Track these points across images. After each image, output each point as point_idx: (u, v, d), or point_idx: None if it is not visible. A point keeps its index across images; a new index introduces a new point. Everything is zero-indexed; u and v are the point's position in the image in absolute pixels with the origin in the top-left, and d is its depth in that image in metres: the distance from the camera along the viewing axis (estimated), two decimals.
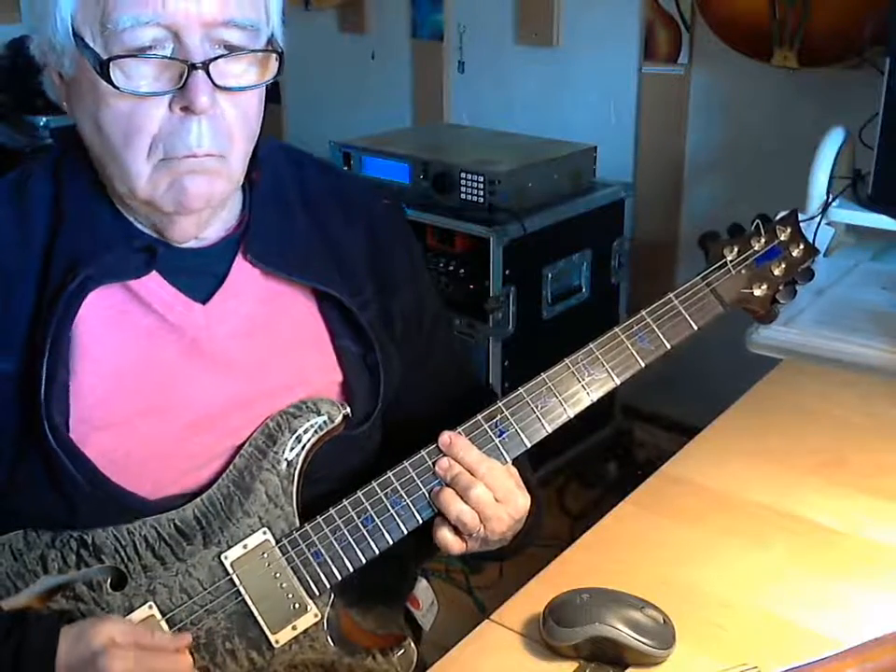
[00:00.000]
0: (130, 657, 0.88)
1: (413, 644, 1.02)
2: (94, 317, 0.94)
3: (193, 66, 0.86)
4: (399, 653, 1.01)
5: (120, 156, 0.89)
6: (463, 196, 2.31)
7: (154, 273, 0.96)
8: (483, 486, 0.97)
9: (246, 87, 0.90)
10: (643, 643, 0.95)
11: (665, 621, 0.97)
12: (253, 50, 0.90)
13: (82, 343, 0.94)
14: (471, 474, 0.97)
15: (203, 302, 0.98)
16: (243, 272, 1.00)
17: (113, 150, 0.90)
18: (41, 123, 2.84)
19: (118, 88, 0.85)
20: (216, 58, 0.87)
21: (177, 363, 0.97)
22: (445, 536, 0.98)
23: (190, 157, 0.89)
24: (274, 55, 0.92)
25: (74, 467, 0.92)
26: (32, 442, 0.92)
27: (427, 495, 0.98)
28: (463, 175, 2.30)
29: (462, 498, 0.96)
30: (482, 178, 2.28)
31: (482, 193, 2.28)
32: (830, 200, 1.75)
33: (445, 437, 0.98)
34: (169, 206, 0.92)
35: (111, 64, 0.85)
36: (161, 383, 0.97)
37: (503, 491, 0.98)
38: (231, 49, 0.89)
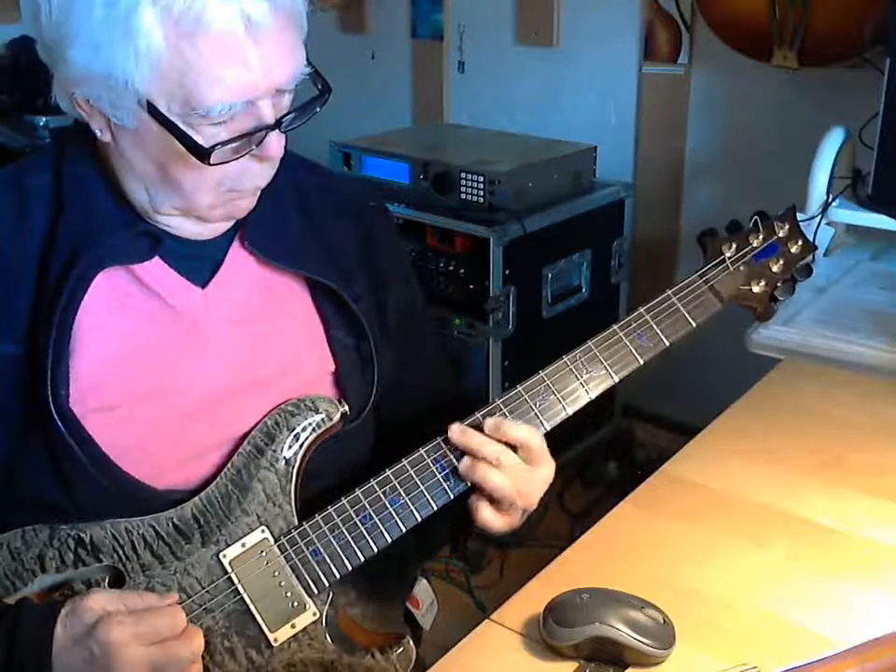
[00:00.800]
0: (127, 621, 0.88)
1: (412, 642, 1.02)
2: (98, 301, 0.95)
3: (271, 128, 0.90)
4: (398, 652, 1.01)
5: (186, 191, 0.94)
6: (463, 196, 2.31)
7: (156, 257, 0.98)
8: (514, 455, 0.97)
9: (304, 122, 0.93)
10: (643, 643, 0.95)
11: (665, 621, 0.97)
12: (298, 83, 0.92)
13: (85, 326, 0.95)
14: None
15: (203, 286, 1.00)
16: (239, 258, 1.02)
17: (179, 188, 0.93)
18: (41, 123, 2.84)
19: (212, 164, 0.89)
20: (287, 115, 0.91)
21: (177, 347, 0.99)
22: (485, 513, 0.98)
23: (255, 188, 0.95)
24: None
25: (78, 448, 0.93)
26: (35, 426, 0.93)
27: (427, 492, 0.98)
28: (463, 175, 2.30)
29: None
30: (482, 178, 2.28)
31: (482, 193, 2.28)
32: (830, 200, 1.75)
33: (456, 429, 0.98)
34: (218, 219, 0.98)
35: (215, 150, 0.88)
36: (160, 366, 0.98)
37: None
38: (283, 91, 0.91)
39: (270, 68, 0.87)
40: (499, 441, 0.97)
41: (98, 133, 0.93)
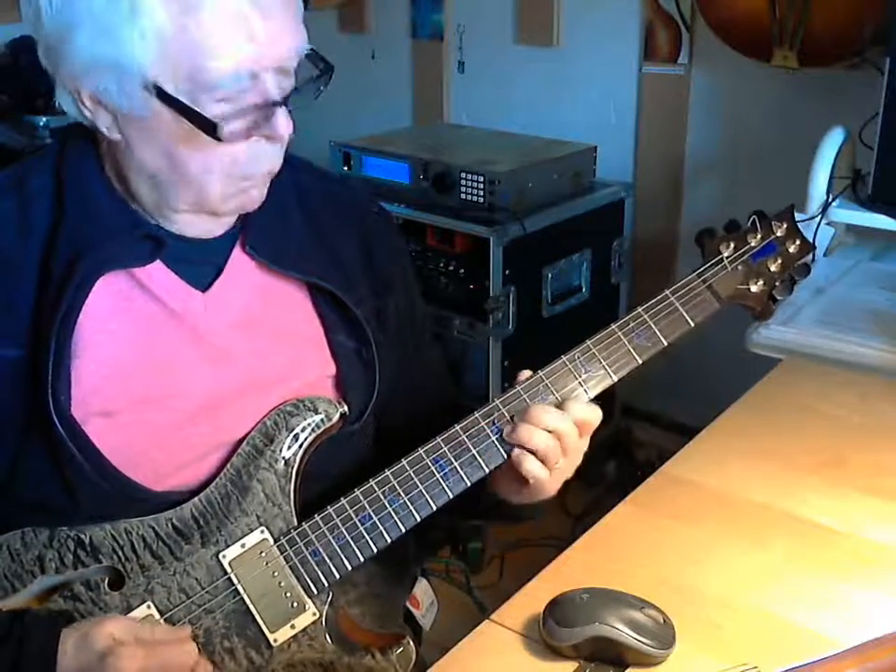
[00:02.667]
0: (138, 654, 0.88)
1: (411, 643, 1.02)
2: (99, 305, 0.95)
3: (277, 104, 0.89)
4: (398, 652, 1.01)
5: (196, 181, 0.93)
6: (463, 196, 2.31)
7: (157, 261, 0.97)
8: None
9: (307, 103, 0.93)
10: (643, 643, 0.95)
11: (664, 621, 0.97)
12: (311, 79, 0.93)
13: (86, 330, 0.94)
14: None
15: (204, 290, 1.00)
16: (241, 263, 1.02)
17: (187, 177, 0.93)
18: (41, 123, 2.84)
19: (222, 140, 0.88)
20: (292, 91, 0.91)
21: (177, 351, 0.98)
22: (532, 464, 0.97)
23: (267, 173, 0.95)
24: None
25: (79, 452, 0.93)
26: (37, 429, 0.93)
27: (426, 492, 0.98)
28: (463, 174, 2.30)
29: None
30: (482, 178, 2.28)
31: (482, 193, 2.28)
32: (830, 200, 1.75)
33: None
34: (230, 211, 0.98)
35: (220, 124, 0.87)
36: (161, 370, 0.98)
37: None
38: (287, 70, 0.91)
39: (274, 40, 0.87)
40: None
41: (105, 132, 0.92)
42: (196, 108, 0.87)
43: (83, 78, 0.89)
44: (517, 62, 2.77)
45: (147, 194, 0.96)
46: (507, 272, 2.26)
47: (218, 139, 0.88)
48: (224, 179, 0.93)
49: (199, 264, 1.00)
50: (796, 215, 1.12)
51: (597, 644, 0.95)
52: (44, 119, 2.82)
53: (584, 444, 1.01)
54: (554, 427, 0.97)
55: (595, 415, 1.00)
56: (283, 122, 0.91)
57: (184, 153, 0.91)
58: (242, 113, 0.88)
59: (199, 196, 0.94)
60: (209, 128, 0.87)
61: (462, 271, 2.30)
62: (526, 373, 1.02)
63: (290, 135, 0.93)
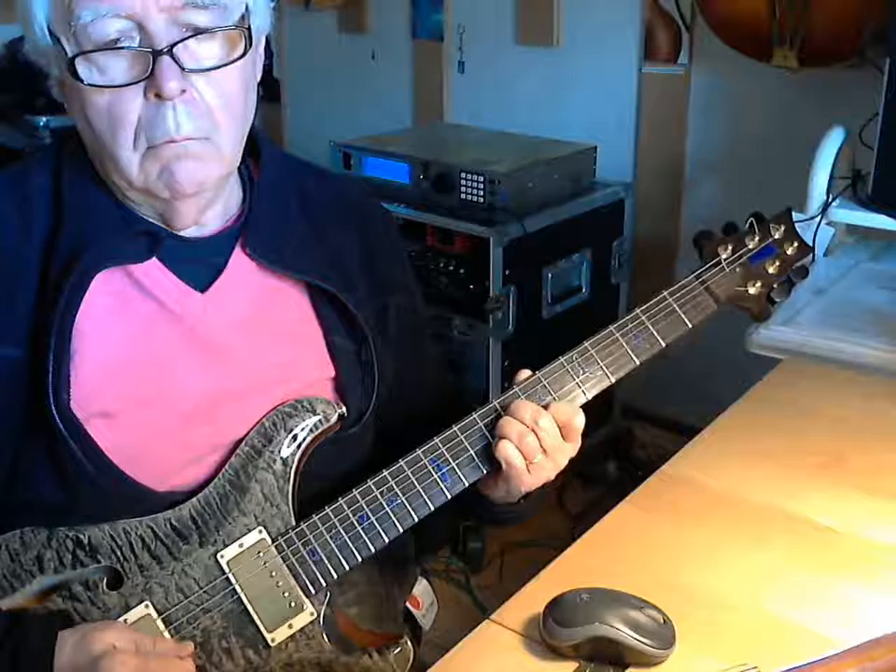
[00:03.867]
0: (131, 663, 0.87)
1: (409, 642, 1.02)
2: (96, 303, 0.95)
3: (158, 53, 0.87)
4: (396, 652, 1.01)
5: (110, 148, 0.91)
6: (463, 196, 2.31)
7: (155, 259, 0.97)
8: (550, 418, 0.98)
9: (213, 67, 0.90)
10: (643, 643, 0.94)
11: (665, 621, 0.97)
12: (217, 29, 0.90)
13: (84, 330, 0.94)
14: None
15: (202, 291, 0.99)
16: (241, 264, 1.01)
17: (103, 144, 0.91)
18: (41, 123, 2.84)
19: (83, 83, 0.87)
20: (178, 42, 0.87)
21: (175, 351, 0.98)
22: (509, 449, 0.97)
23: (170, 142, 0.90)
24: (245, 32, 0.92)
25: (81, 451, 0.93)
26: (37, 429, 0.93)
27: (424, 493, 0.98)
28: (463, 174, 2.30)
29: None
30: (482, 178, 2.28)
31: (482, 193, 2.28)
32: (830, 200, 1.75)
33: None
34: (164, 192, 0.93)
35: (76, 61, 0.87)
36: (159, 371, 0.98)
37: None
38: (198, 31, 0.89)
39: None
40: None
41: (67, 108, 0.93)
42: (66, 48, 0.87)
43: (39, 58, 0.91)
44: (517, 62, 2.77)
45: (103, 175, 0.96)
46: (507, 272, 2.26)
47: (77, 77, 0.87)
48: (131, 148, 0.90)
49: (198, 264, 1.00)
50: (796, 215, 1.12)
51: (597, 644, 0.95)
52: (44, 119, 2.83)
53: (569, 447, 1.00)
54: (532, 422, 0.97)
55: (576, 418, 0.99)
56: (167, 73, 0.86)
57: (90, 113, 0.90)
58: (124, 62, 0.87)
59: (120, 169, 0.92)
60: (69, 65, 0.87)
61: (462, 271, 2.30)
62: (526, 373, 1.02)
63: (217, 106, 0.90)
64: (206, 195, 0.97)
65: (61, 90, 0.94)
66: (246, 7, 0.93)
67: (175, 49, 0.87)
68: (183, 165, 0.91)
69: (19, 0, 0.90)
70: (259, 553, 0.97)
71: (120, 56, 0.88)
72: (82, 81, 0.87)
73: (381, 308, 1.09)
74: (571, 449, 1.00)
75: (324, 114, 3.21)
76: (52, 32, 0.89)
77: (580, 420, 0.99)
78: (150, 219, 0.98)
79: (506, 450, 0.97)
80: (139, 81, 0.88)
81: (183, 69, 0.88)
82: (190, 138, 0.90)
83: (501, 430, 0.98)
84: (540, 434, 0.97)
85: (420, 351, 1.18)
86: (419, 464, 0.98)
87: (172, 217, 0.98)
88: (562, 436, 0.98)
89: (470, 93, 2.89)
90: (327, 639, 0.98)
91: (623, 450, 2.75)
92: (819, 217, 1.74)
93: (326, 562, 0.97)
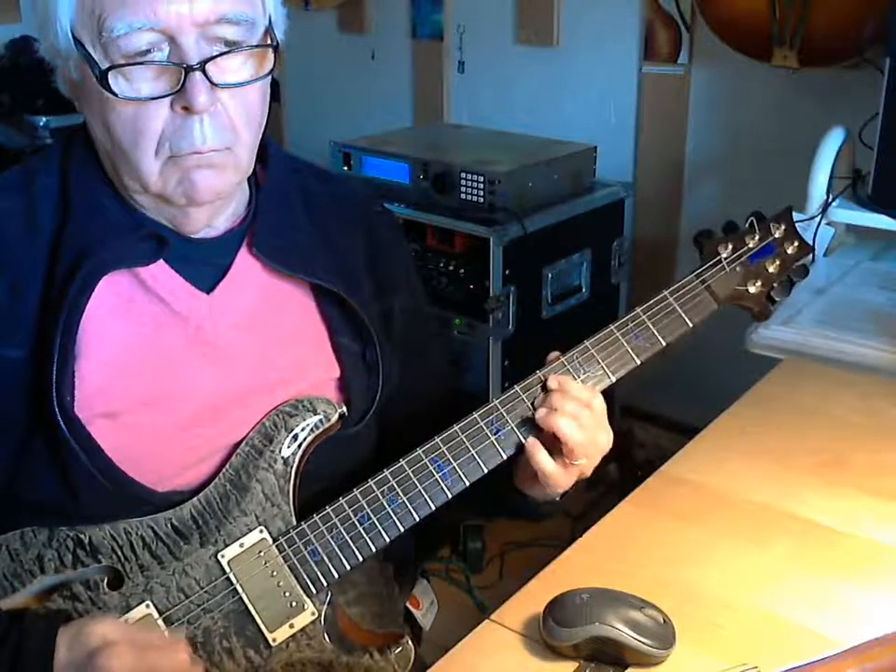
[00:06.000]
0: (127, 655, 0.87)
1: (410, 642, 1.02)
2: (102, 305, 0.95)
3: (190, 68, 0.87)
4: (397, 651, 1.01)
5: (130, 155, 0.91)
6: (463, 196, 2.31)
7: (161, 261, 0.97)
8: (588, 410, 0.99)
9: (244, 83, 0.91)
10: (643, 643, 0.95)
11: (665, 621, 0.97)
12: (249, 46, 0.91)
13: (89, 330, 0.94)
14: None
15: (208, 292, 1.00)
16: (246, 264, 1.01)
17: (123, 150, 0.91)
18: (41, 123, 2.84)
19: (116, 95, 0.87)
20: (211, 58, 0.88)
21: (180, 352, 0.98)
22: (543, 458, 0.98)
23: (195, 153, 0.90)
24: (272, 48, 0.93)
25: (83, 453, 0.93)
26: (40, 429, 0.93)
27: (425, 492, 0.98)
28: (463, 174, 2.30)
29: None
30: (482, 178, 2.27)
31: (482, 193, 2.28)
32: (830, 200, 1.75)
33: (553, 382, 1.00)
34: (181, 200, 0.94)
35: (109, 73, 0.87)
36: (164, 372, 0.98)
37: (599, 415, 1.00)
38: (227, 45, 0.90)
39: None
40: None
41: (78, 107, 0.93)
42: (95, 57, 0.87)
43: (56, 58, 0.91)
44: (517, 62, 2.77)
45: (112, 176, 0.96)
46: (507, 272, 2.26)
47: (109, 90, 0.87)
48: (153, 156, 0.91)
49: (203, 265, 1.00)
50: (796, 215, 1.12)
51: (597, 644, 0.95)
52: (44, 119, 2.83)
53: (604, 436, 1.01)
54: (587, 401, 0.98)
55: (595, 399, 1.00)
56: (198, 89, 0.87)
57: (112, 120, 0.90)
58: (152, 73, 0.88)
59: (138, 175, 0.92)
60: (101, 77, 0.87)
61: (462, 271, 2.30)
62: (555, 354, 1.02)
63: (239, 118, 0.91)
64: (219, 201, 0.98)
65: (71, 89, 0.94)
66: (269, 21, 0.94)
67: (206, 65, 0.87)
68: (203, 175, 0.92)
69: (39, 1, 0.89)
70: (259, 552, 0.97)
71: (148, 68, 0.88)
72: (116, 95, 0.87)
73: (385, 309, 1.09)
74: (607, 440, 1.01)
75: (324, 114, 3.21)
76: (77, 38, 0.88)
77: (599, 402, 1.00)
78: (158, 221, 0.98)
79: (538, 458, 0.97)
80: (170, 95, 0.88)
81: (213, 84, 0.88)
82: (214, 150, 0.91)
83: (547, 423, 0.98)
84: (584, 430, 0.97)
85: (424, 351, 1.18)
86: (420, 463, 0.98)
87: (182, 222, 0.98)
88: None
89: (470, 93, 2.89)
90: (328, 639, 0.98)
91: (623, 450, 2.75)
92: (819, 216, 1.74)
93: (327, 561, 0.97)
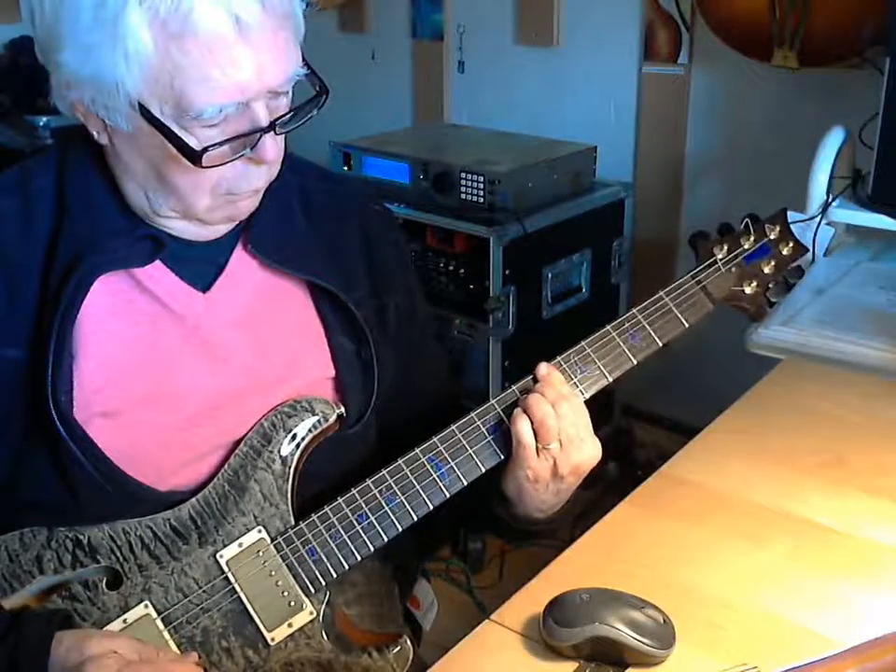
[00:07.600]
0: (114, 667, 0.86)
1: (409, 642, 1.02)
2: (99, 305, 0.95)
3: (264, 131, 0.88)
4: (395, 651, 1.01)
5: (184, 196, 0.92)
6: (463, 196, 2.31)
7: (157, 261, 0.97)
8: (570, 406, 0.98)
9: (300, 123, 0.93)
10: (643, 643, 0.94)
11: (665, 621, 0.97)
12: (289, 90, 0.92)
13: (87, 331, 0.95)
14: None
15: (204, 291, 1.00)
16: (242, 262, 1.02)
17: (174, 190, 0.92)
18: (41, 123, 2.84)
19: (203, 167, 0.88)
20: (280, 117, 0.90)
21: (178, 351, 0.98)
22: (523, 427, 0.97)
23: (251, 190, 0.94)
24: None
25: (81, 452, 0.93)
26: (39, 430, 0.93)
27: (423, 492, 0.98)
28: (463, 174, 2.30)
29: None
30: (482, 178, 2.27)
31: (482, 193, 2.28)
32: (830, 200, 1.75)
33: (543, 368, 1.01)
34: (221, 221, 0.97)
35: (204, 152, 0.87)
36: (162, 371, 0.98)
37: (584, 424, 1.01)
38: (280, 95, 0.91)
39: (261, 69, 0.86)
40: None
41: (95, 136, 0.92)
42: (181, 134, 0.87)
43: (71, 88, 0.89)
44: (517, 62, 2.77)
45: (134, 197, 0.96)
46: (507, 272, 2.26)
47: (201, 166, 0.88)
48: (210, 195, 0.93)
49: (199, 264, 1.00)
50: (796, 215, 1.12)
51: (597, 644, 0.95)
52: (44, 119, 2.82)
53: (587, 448, 1.01)
54: (554, 402, 0.98)
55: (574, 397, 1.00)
56: (270, 147, 0.90)
57: (171, 169, 0.90)
58: (227, 139, 0.88)
59: (185, 207, 0.94)
60: (191, 155, 0.87)
61: (462, 271, 2.30)
62: (544, 364, 1.02)
63: (283, 149, 0.93)
64: None
65: (88, 119, 0.91)
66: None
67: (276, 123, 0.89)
68: (248, 203, 0.96)
69: (85, 55, 0.85)
70: (258, 552, 0.97)
71: (225, 132, 0.88)
72: (204, 167, 0.87)
73: (381, 307, 1.09)
74: (590, 450, 1.01)
75: (324, 114, 3.21)
76: (142, 103, 0.86)
77: (579, 401, 1.01)
78: (154, 224, 0.98)
79: (519, 424, 0.97)
80: (244, 155, 0.89)
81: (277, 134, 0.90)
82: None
83: (522, 404, 0.98)
84: (560, 419, 0.97)
85: (421, 351, 1.18)
86: (418, 463, 0.99)
87: (198, 233, 0.99)
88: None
89: (470, 93, 2.89)
90: (326, 638, 0.98)
91: (623, 450, 2.75)
92: (819, 217, 1.74)
93: (325, 561, 0.97)
